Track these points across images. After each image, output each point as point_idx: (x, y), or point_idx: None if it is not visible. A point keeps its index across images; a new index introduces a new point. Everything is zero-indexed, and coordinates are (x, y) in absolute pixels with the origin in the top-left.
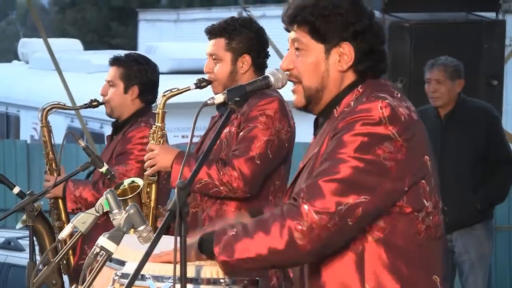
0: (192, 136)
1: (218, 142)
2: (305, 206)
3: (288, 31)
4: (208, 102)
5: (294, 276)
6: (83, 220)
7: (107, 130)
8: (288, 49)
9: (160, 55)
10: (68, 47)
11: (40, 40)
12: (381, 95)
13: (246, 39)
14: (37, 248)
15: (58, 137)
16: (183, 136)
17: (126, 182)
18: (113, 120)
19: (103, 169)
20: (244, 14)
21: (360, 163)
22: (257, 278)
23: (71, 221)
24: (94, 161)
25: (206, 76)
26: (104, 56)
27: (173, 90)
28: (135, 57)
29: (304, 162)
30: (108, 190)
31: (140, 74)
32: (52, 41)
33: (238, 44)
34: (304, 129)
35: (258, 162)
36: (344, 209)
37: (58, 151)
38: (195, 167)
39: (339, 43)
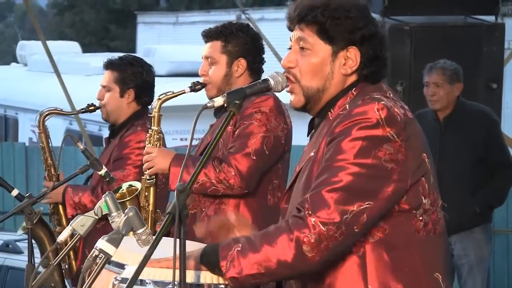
0: (192, 139)
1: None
2: (312, 218)
3: (291, 29)
4: (208, 105)
5: (293, 281)
6: (82, 223)
7: (106, 133)
8: (290, 48)
9: (158, 58)
10: (66, 50)
11: (38, 43)
12: (376, 96)
13: (242, 43)
14: (38, 253)
15: (57, 140)
16: (181, 139)
17: (124, 186)
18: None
19: (102, 171)
20: (243, 17)
21: (362, 169)
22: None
23: (70, 224)
24: (93, 164)
25: (201, 79)
26: (102, 58)
27: (168, 94)
28: (129, 60)
29: (301, 166)
30: (107, 193)
31: (135, 77)
32: (50, 43)
33: (234, 48)
34: (302, 132)
35: (254, 158)
36: (349, 217)
37: (57, 154)
38: (195, 169)
39: (347, 47)
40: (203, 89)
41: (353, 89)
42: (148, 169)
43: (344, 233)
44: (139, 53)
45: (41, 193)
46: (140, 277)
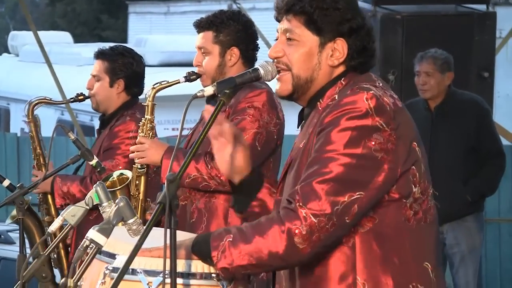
0: (182, 129)
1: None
2: (303, 210)
3: (278, 20)
4: (198, 94)
5: (282, 272)
6: (72, 213)
7: (97, 123)
8: (276, 39)
9: (150, 48)
10: (58, 40)
11: (30, 33)
12: (365, 86)
13: (234, 32)
14: (27, 242)
15: (49, 130)
16: (173, 129)
17: (115, 174)
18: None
19: (93, 161)
20: (234, 6)
21: (352, 159)
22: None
23: (60, 214)
24: (84, 154)
25: (196, 69)
26: (94, 49)
27: (162, 83)
28: (120, 50)
29: (292, 156)
30: (98, 183)
31: (126, 67)
32: (42, 34)
33: (226, 37)
34: (293, 121)
35: None
36: (340, 208)
37: (48, 144)
38: (184, 159)
39: (334, 38)
40: (198, 79)
41: (342, 79)
42: (139, 159)
43: (336, 224)
44: (130, 43)
45: (32, 184)
46: (131, 266)
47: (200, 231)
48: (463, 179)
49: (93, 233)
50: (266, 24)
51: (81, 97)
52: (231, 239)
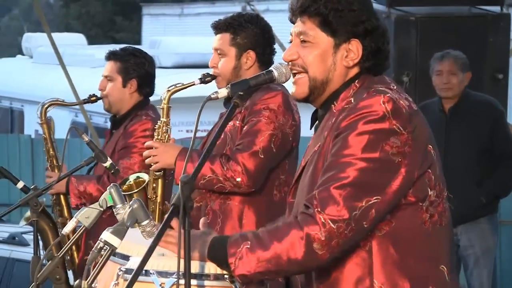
0: (196, 130)
1: (222, 136)
2: (321, 216)
3: (293, 22)
4: (212, 96)
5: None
6: (86, 215)
7: None
8: (290, 42)
9: (164, 50)
10: (72, 42)
11: (44, 35)
12: (381, 89)
13: (251, 35)
14: (41, 244)
15: (63, 132)
16: (187, 131)
17: (132, 177)
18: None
19: (107, 163)
20: (248, 8)
21: (369, 164)
22: None
23: (74, 215)
24: (98, 156)
25: (210, 71)
26: (108, 50)
27: (177, 85)
28: (131, 51)
29: (306, 159)
30: (111, 184)
31: (138, 67)
32: (56, 35)
33: (243, 40)
34: (309, 123)
35: (262, 156)
36: (358, 213)
37: (62, 146)
38: (199, 161)
39: (349, 39)
40: (213, 81)
41: (356, 81)
42: (153, 164)
43: (354, 229)
44: (144, 45)
45: (47, 185)
46: (144, 268)
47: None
48: (477, 180)
49: (107, 235)
50: (280, 25)
51: (94, 98)
52: (248, 246)
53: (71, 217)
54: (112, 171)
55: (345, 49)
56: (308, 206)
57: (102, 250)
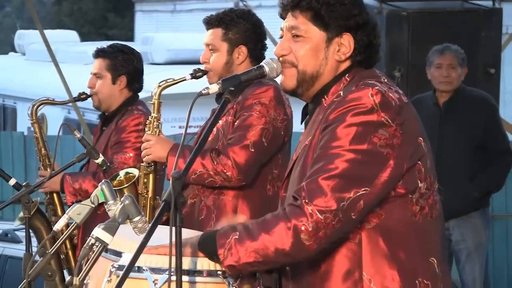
0: (187, 126)
1: (215, 132)
2: (308, 207)
3: (283, 17)
4: (203, 92)
5: (288, 268)
6: (78, 212)
7: None
8: (281, 37)
9: (156, 46)
10: (64, 39)
11: (36, 32)
12: (370, 82)
13: (243, 30)
14: (36, 243)
15: (56, 129)
16: (180, 127)
17: (122, 173)
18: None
19: (99, 160)
20: (241, 4)
21: (357, 155)
22: None
23: (66, 212)
24: (90, 152)
25: (202, 66)
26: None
27: (168, 81)
28: (120, 47)
29: (297, 153)
30: (103, 181)
31: (127, 64)
32: (48, 32)
33: (235, 35)
34: (299, 118)
35: (252, 150)
36: (346, 204)
37: (54, 144)
38: (190, 157)
39: (341, 33)
40: (204, 77)
41: (346, 75)
42: (146, 156)
43: (342, 220)
44: (137, 42)
45: (38, 182)
46: (137, 264)
47: (209, 229)
48: (469, 175)
49: (98, 231)
50: (273, 21)
51: (84, 96)
52: (237, 237)
53: None
54: (104, 168)
55: (337, 43)
56: (296, 197)
57: (94, 247)
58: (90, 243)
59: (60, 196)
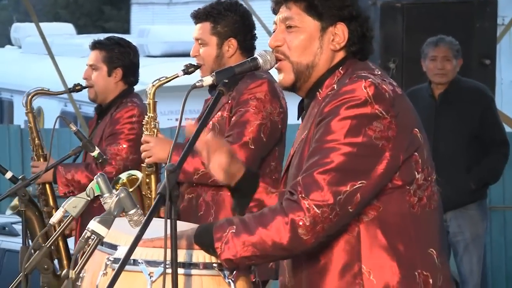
0: (181, 119)
1: (210, 126)
2: (305, 201)
3: (275, 12)
4: (197, 84)
5: (285, 262)
6: (74, 205)
7: None
8: (274, 30)
9: (153, 38)
10: (60, 31)
11: (32, 25)
12: (363, 74)
13: (231, 23)
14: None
15: (52, 122)
16: (176, 119)
17: (124, 176)
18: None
19: (95, 153)
20: None
21: (352, 148)
22: None
23: (62, 205)
24: (85, 145)
25: (194, 61)
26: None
27: (161, 79)
28: (116, 40)
29: (294, 148)
30: (98, 174)
31: (123, 56)
32: (44, 25)
33: (224, 28)
34: (294, 111)
35: (252, 147)
36: (343, 198)
37: (50, 136)
38: (183, 151)
39: (335, 23)
40: (197, 71)
41: (340, 68)
42: (147, 158)
43: (339, 214)
44: (133, 34)
45: (35, 175)
46: (132, 257)
47: None
48: (466, 167)
49: (94, 225)
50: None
51: (79, 87)
52: (234, 230)
53: (56, 206)
54: (100, 160)
55: (331, 32)
56: (292, 192)
57: (90, 240)
58: (85, 236)
59: (52, 187)
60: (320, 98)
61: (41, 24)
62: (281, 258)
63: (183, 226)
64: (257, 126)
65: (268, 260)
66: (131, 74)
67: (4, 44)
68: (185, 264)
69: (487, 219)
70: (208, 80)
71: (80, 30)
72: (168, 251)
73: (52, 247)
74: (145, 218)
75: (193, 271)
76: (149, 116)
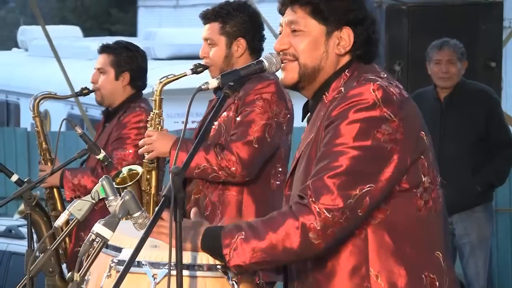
0: (187, 121)
1: (216, 127)
2: (316, 205)
3: (282, 13)
4: (202, 87)
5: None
6: (79, 207)
7: None
8: (280, 33)
9: (159, 41)
10: (67, 34)
11: (39, 28)
12: (371, 77)
13: (240, 23)
14: (35, 237)
15: (58, 124)
16: (183, 122)
17: (125, 170)
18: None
19: (100, 155)
20: None
21: (361, 152)
22: None
23: (67, 208)
24: (91, 148)
25: (203, 61)
26: (103, 42)
27: (169, 77)
28: (125, 44)
29: (300, 151)
30: (104, 176)
31: (131, 61)
32: (51, 28)
33: (232, 28)
34: (299, 114)
35: (256, 146)
36: (353, 201)
37: (55, 139)
38: (190, 151)
39: (341, 27)
40: (205, 71)
41: (346, 70)
42: (148, 153)
43: (349, 218)
44: (140, 37)
45: (40, 178)
46: (136, 259)
47: (215, 224)
48: (472, 169)
49: (99, 227)
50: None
51: (86, 91)
52: (243, 236)
53: (64, 210)
54: (106, 163)
55: (337, 36)
56: (302, 196)
57: (94, 242)
58: (90, 239)
59: (60, 191)
60: (326, 101)
61: (48, 27)
62: (291, 262)
63: (187, 221)
64: (262, 126)
65: (278, 264)
66: (138, 78)
67: (11, 47)
68: (189, 265)
69: (493, 221)
70: (214, 83)
71: (87, 33)
72: (173, 252)
73: (61, 251)
74: (149, 220)
75: (198, 273)
76: (154, 112)
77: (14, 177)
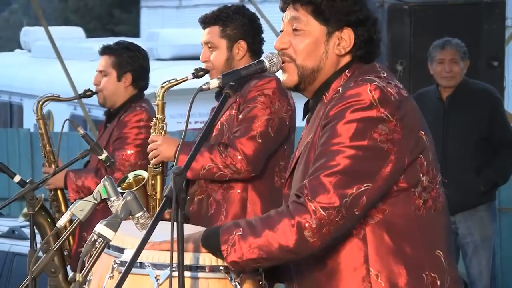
0: (187, 122)
1: (219, 126)
2: (312, 204)
3: (283, 10)
4: (203, 87)
5: (293, 266)
6: (81, 208)
7: None
8: (281, 31)
9: (162, 42)
10: (70, 35)
11: (42, 29)
12: (368, 78)
13: (240, 25)
14: (40, 240)
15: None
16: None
17: (131, 175)
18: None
19: (103, 156)
20: None
21: (358, 151)
22: None
23: (69, 208)
24: (93, 149)
25: (203, 65)
26: (106, 43)
27: (171, 81)
28: (126, 45)
29: (300, 151)
30: (106, 177)
31: (132, 61)
32: (54, 29)
33: (233, 31)
34: (300, 113)
35: (260, 140)
36: (349, 200)
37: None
38: (191, 151)
39: (342, 28)
40: (206, 75)
41: (346, 70)
42: (154, 158)
43: (345, 216)
44: (143, 37)
45: (42, 179)
46: (139, 260)
47: (220, 223)
48: (475, 168)
49: (101, 228)
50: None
51: (89, 93)
52: (240, 233)
53: None
54: (108, 164)
55: (337, 37)
56: (299, 195)
57: (96, 243)
58: (92, 239)
59: (64, 193)
60: (326, 101)
61: (51, 28)
62: (288, 260)
63: (191, 229)
64: (265, 120)
65: (275, 263)
66: (140, 78)
67: (14, 48)
68: (192, 267)
69: (496, 220)
70: (215, 82)
71: (90, 33)
72: (175, 254)
73: (66, 252)
74: (151, 221)
75: (200, 274)
76: (157, 117)
77: (17, 178)
